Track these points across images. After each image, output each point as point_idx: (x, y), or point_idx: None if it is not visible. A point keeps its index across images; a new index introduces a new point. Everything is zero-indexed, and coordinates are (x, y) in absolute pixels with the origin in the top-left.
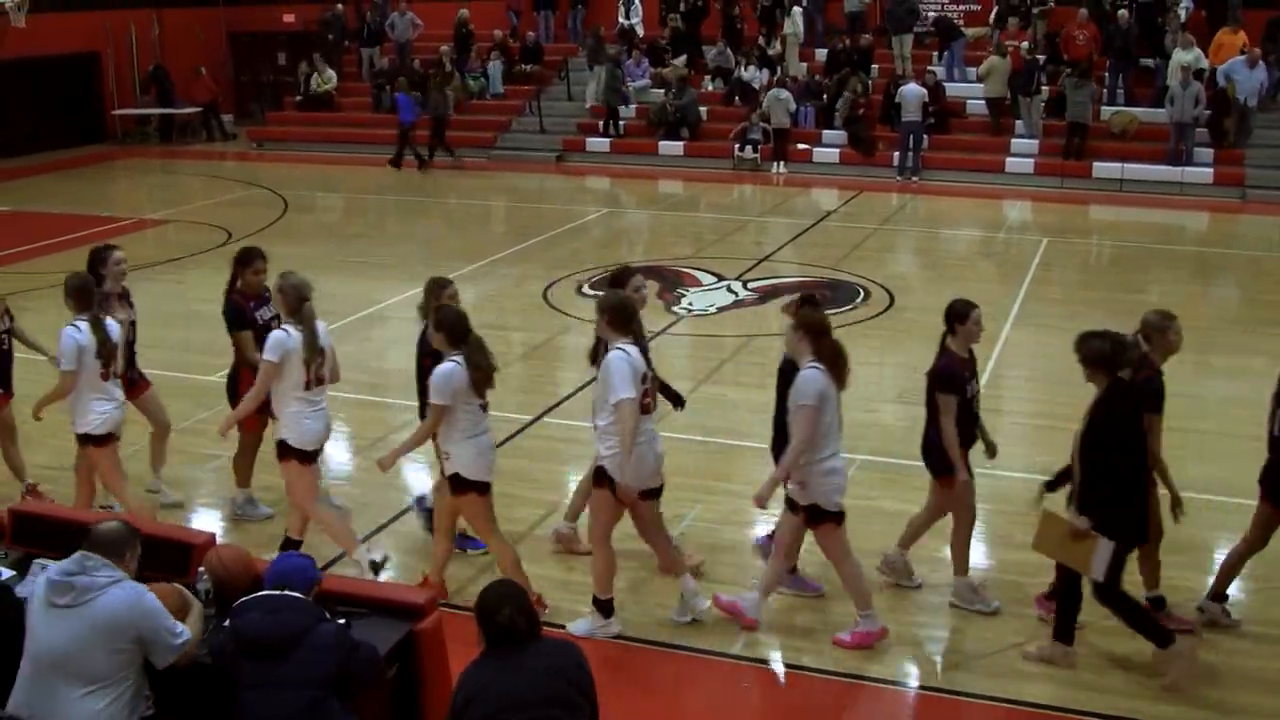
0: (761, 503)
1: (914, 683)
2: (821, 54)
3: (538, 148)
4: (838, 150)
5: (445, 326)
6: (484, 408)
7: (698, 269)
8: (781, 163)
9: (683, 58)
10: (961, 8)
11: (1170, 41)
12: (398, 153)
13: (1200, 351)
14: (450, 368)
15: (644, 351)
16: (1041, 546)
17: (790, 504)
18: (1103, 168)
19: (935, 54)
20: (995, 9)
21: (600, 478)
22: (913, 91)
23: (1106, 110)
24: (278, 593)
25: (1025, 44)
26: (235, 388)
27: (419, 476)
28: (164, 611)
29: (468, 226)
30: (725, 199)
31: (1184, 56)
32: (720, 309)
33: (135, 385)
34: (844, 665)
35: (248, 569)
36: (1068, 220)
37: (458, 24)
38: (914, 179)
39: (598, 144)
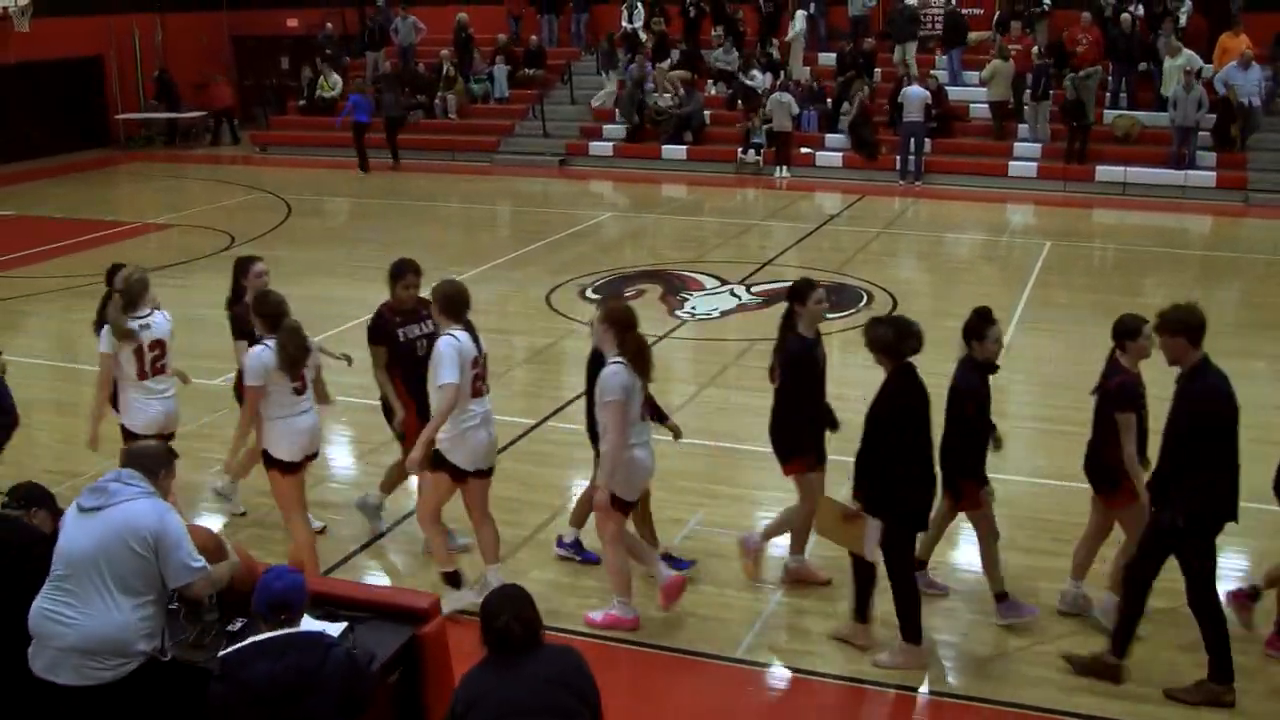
0: (600, 508)
1: (914, 685)
2: (824, 58)
3: (541, 151)
4: (840, 154)
5: (261, 313)
6: (298, 390)
7: (701, 273)
8: (784, 166)
9: (668, 61)
10: (965, 11)
11: (1162, 46)
12: (361, 156)
13: None
14: (259, 350)
15: (475, 339)
16: (821, 531)
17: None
18: (1105, 171)
19: (938, 57)
20: (996, 14)
21: (438, 461)
22: (915, 93)
23: (1109, 114)
24: (278, 634)
25: (1036, 48)
26: (387, 406)
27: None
28: (187, 540)
29: (471, 230)
30: (728, 203)
31: (1173, 61)
32: (723, 313)
33: None
34: (846, 669)
35: (251, 571)
36: (1071, 224)
37: (457, 28)
38: (916, 183)
39: (601, 148)
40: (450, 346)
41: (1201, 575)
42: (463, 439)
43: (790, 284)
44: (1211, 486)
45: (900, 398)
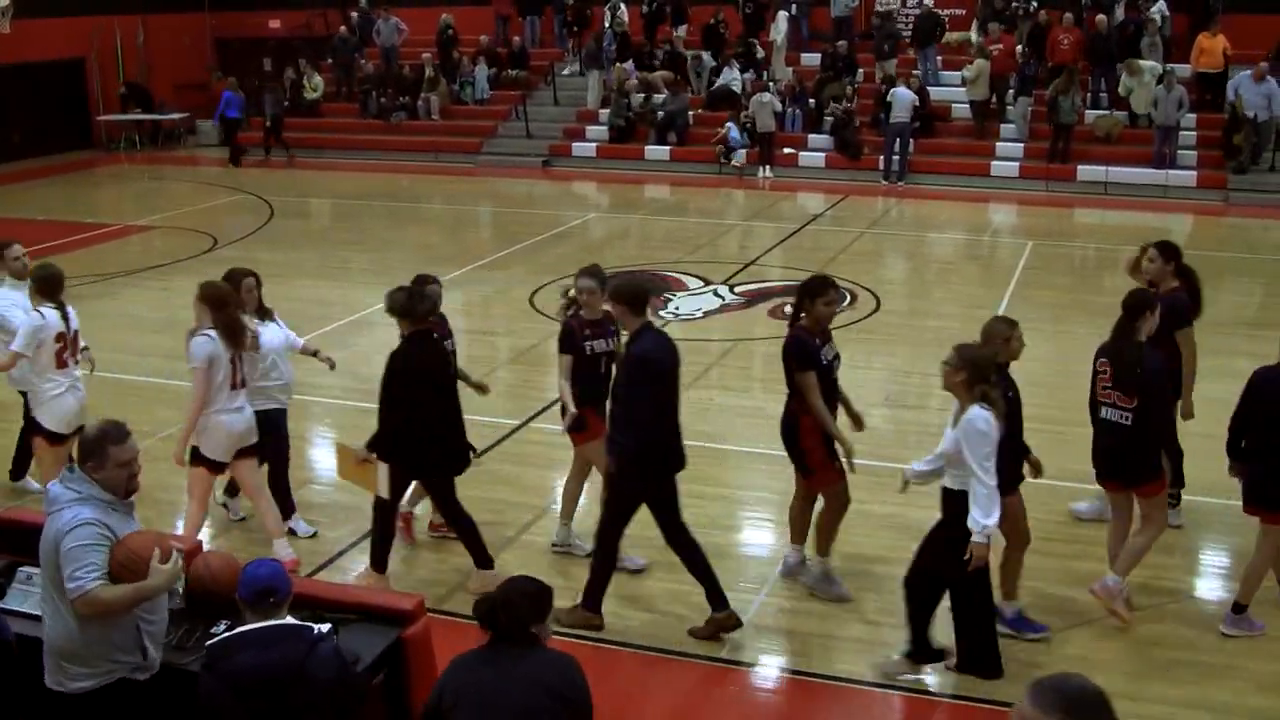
0: (177, 460)
1: (909, 686)
2: (806, 58)
3: (524, 153)
4: (823, 154)
5: None
6: None
7: (684, 273)
8: (767, 167)
9: (630, 62)
10: (946, 12)
11: (1145, 47)
12: (233, 150)
13: None
14: None
15: (65, 317)
16: (341, 473)
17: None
18: (1087, 171)
19: (915, 54)
20: (976, 15)
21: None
22: (904, 94)
23: (1091, 114)
24: (264, 624)
25: (1020, 47)
26: (795, 436)
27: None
28: (78, 553)
29: (455, 232)
30: (711, 203)
31: (1139, 79)
32: (707, 313)
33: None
34: (834, 669)
35: (236, 576)
36: (1053, 223)
37: (440, 29)
38: (900, 183)
39: (584, 149)
40: (31, 321)
41: (667, 518)
42: (50, 403)
43: (1127, 294)
44: (646, 434)
45: (415, 359)
